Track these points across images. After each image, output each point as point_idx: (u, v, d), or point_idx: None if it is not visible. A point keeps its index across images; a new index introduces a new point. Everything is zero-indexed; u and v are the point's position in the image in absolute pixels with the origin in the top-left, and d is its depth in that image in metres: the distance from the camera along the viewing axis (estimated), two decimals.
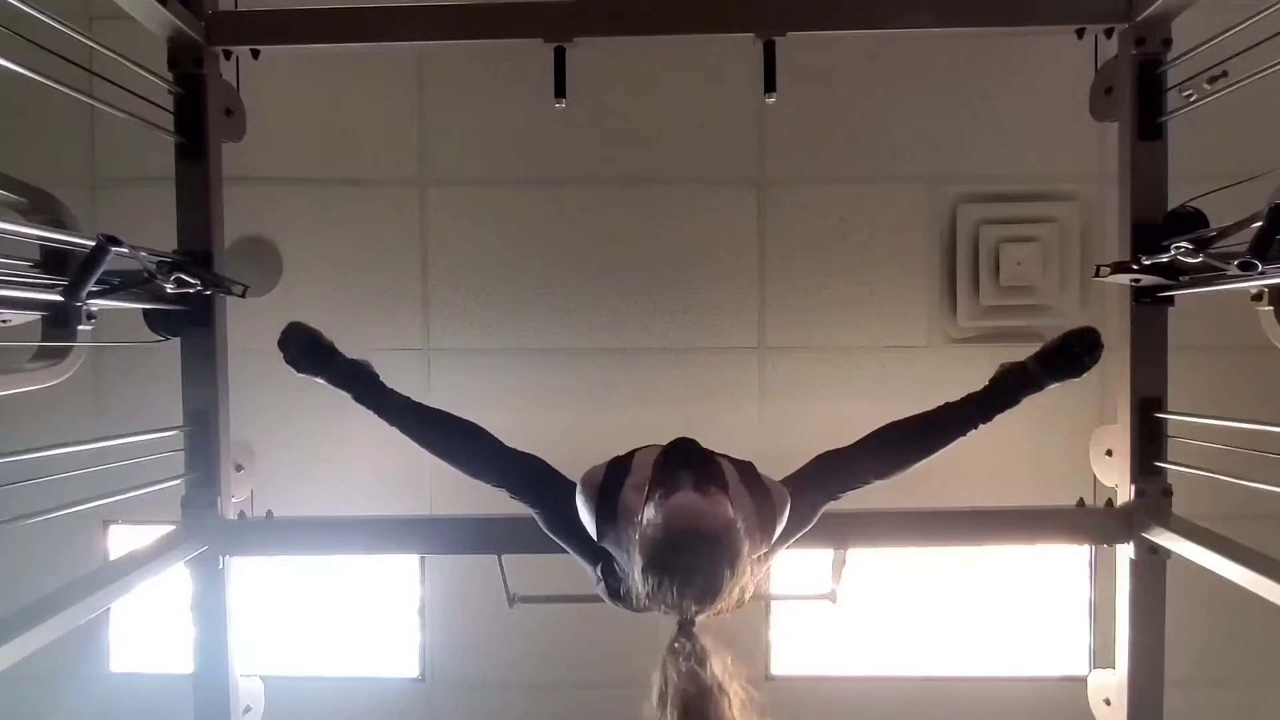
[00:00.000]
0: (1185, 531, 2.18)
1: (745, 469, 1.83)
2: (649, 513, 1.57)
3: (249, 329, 3.14)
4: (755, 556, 1.67)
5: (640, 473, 1.73)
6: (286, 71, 3.29)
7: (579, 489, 1.80)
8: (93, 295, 1.82)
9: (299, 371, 2.08)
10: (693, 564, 1.50)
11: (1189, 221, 2.17)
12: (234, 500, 2.51)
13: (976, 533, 2.50)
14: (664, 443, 1.96)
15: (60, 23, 1.85)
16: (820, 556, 2.53)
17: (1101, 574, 3.30)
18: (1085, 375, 2.09)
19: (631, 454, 1.86)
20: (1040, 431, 3.35)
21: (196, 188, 2.40)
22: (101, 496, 2.10)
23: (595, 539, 1.77)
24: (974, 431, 2.05)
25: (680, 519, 1.52)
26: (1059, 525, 2.47)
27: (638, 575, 1.54)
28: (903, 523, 2.49)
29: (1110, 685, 2.43)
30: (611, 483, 1.75)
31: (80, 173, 3.41)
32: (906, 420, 2.07)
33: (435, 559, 3.46)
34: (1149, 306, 2.29)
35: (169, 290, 2.10)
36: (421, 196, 3.45)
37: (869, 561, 3.30)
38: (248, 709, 2.52)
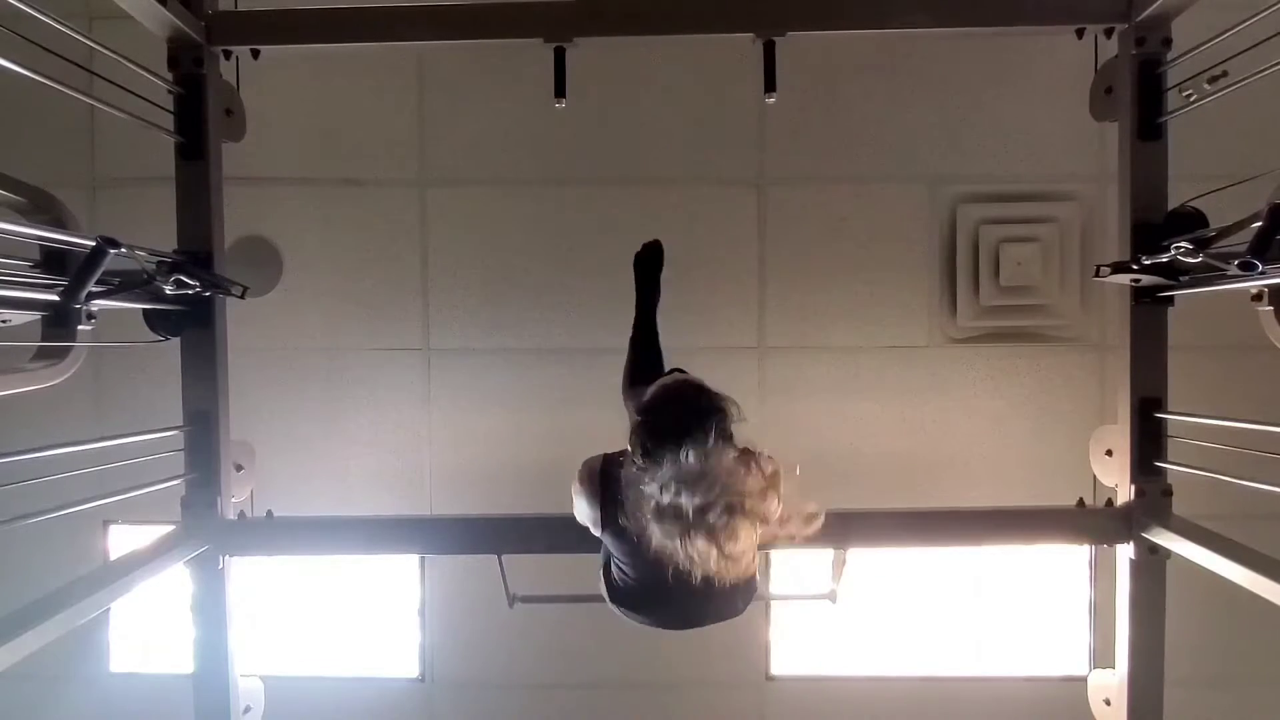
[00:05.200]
0: (1185, 531, 2.18)
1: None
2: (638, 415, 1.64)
3: (249, 329, 3.15)
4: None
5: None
6: (286, 71, 3.29)
7: (577, 476, 1.82)
8: (93, 295, 1.82)
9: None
10: (687, 406, 1.55)
11: (1189, 221, 2.17)
12: (234, 500, 2.51)
13: (976, 533, 2.50)
14: None
15: (60, 23, 1.85)
16: (820, 556, 2.53)
17: (1101, 574, 3.31)
18: None
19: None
20: (1040, 431, 3.36)
21: (196, 188, 2.40)
22: (101, 496, 2.10)
23: (600, 527, 1.78)
24: None
25: (668, 381, 1.64)
26: (1059, 525, 2.47)
27: (640, 461, 1.54)
28: (903, 523, 2.48)
29: (1110, 685, 2.43)
30: (611, 464, 1.77)
31: (80, 173, 3.41)
32: None
33: (435, 559, 3.46)
34: (1149, 306, 2.29)
35: (169, 291, 2.10)
36: (421, 196, 3.45)
37: (869, 561, 3.30)
38: (248, 709, 2.52)
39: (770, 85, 2.39)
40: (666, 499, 1.45)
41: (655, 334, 2.61)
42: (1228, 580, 1.94)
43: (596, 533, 1.82)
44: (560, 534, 2.36)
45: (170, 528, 2.39)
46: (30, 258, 1.87)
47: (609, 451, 1.86)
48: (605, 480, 1.73)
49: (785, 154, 3.38)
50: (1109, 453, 2.44)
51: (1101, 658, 3.17)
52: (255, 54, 2.48)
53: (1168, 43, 2.27)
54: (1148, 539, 2.27)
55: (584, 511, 1.82)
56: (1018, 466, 3.36)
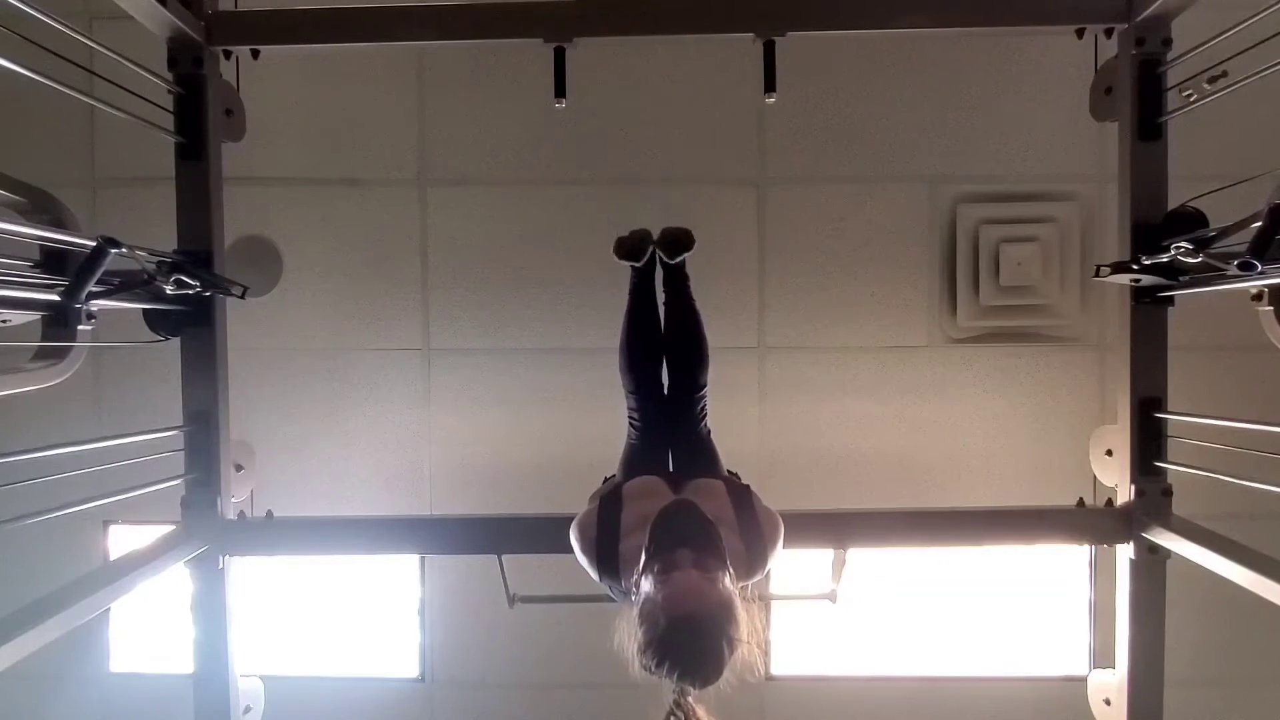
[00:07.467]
0: (1185, 531, 2.18)
1: (741, 499, 1.81)
2: (647, 585, 1.54)
3: (249, 329, 3.15)
4: (743, 586, 1.64)
5: (636, 527, 1.69)
6: (286, 71, 3.30)
7: (574, 535, 1.80)
8: (93, 295, 1.82)
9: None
10: (693, 652, 1.49)
11: (1189, 221, 2.18)
12: (234, 500, 2.52)
13: (976, 533, 2.51)
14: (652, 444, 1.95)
15: (60, 23, 1.85)
16: (820, 556, 2.53)
17: (1101, 574, 3.30)
18: None
19: (618, 492, 1.84)
20: (1040, 431, 3.36)
21: (196, 188, 2.40)
22: (102, 496, 2.11)
23: (596, 579, 1.77)
24: None
25: (680, 604, 1.48)
26: (1059, 525, 2.47)
27: (636, 650, 1.52)
28: (903, 523, 2.49)
29: (1110, 685, 2.43)
30: (606, 537, 1.73)
31: (80, 173, 3.41)
32: None
33: (435, 559, 3.46)
34: (1149, 306, 2.30)
35: (169, 291, 2.10)
36: (421, 196, 3.45)
37: (869, 561, 3.30)
38: (248, 709, 2.52)
39: (770, 85, 2.39)
40: (651, 668, 1.51)
41: (646, 308, 2.41)
42: (1228, 580, 1.94)
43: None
44: (560, 534, 2.36)
45: (170, 528, 2.39)
46: (30, 258, 1.87)
47: (603, 499, 1.84)
48: (602, 555, 1.72)
49: (785, 154, 3.38)
50: (1109, 453, 2.44)
51: (1101, 658, 3.17)
52: (255, 54, 2.48)
53: (1168, 43, 2.27)
54: (1148, 539, 2.28)
55: (583, 563, 1.80)
56: (1018, 466, 3.36)
